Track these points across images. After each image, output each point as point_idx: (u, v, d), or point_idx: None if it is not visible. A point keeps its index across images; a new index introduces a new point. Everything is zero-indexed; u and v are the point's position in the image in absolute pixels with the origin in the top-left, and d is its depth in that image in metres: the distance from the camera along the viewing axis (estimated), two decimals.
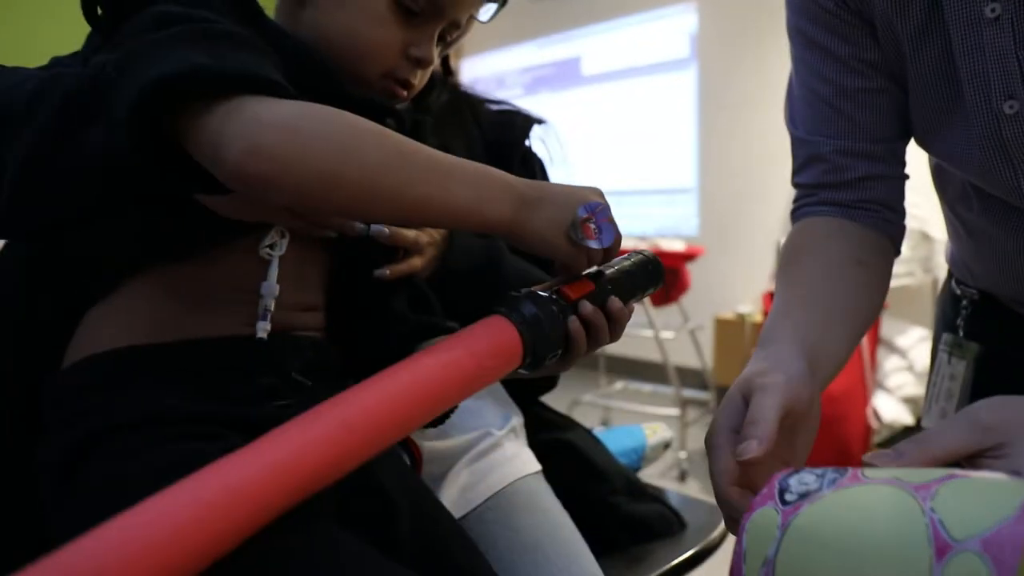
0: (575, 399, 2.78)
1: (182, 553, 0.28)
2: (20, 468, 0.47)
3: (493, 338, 0.42)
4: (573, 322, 0.46)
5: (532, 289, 0.45)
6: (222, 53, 0.40)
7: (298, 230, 0.49)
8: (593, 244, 0.46)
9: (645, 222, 3.66)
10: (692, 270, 2.65)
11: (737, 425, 0.43)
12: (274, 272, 0.47)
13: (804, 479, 0.35)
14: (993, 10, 0.48)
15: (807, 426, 0.46)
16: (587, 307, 0.46)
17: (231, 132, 0.38)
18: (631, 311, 0.51)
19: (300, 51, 0.49)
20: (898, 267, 2.43)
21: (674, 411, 2.49)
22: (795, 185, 0.63)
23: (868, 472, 0.35)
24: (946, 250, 0.73)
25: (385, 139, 0.41)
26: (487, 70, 4.34)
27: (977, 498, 0.30)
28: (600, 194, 0.48)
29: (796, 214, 0.63)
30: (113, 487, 0.40)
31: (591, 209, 0.46)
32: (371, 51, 0.51)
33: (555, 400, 0.86)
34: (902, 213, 0.62)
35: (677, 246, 2.69)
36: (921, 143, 0.60)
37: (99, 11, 0.46)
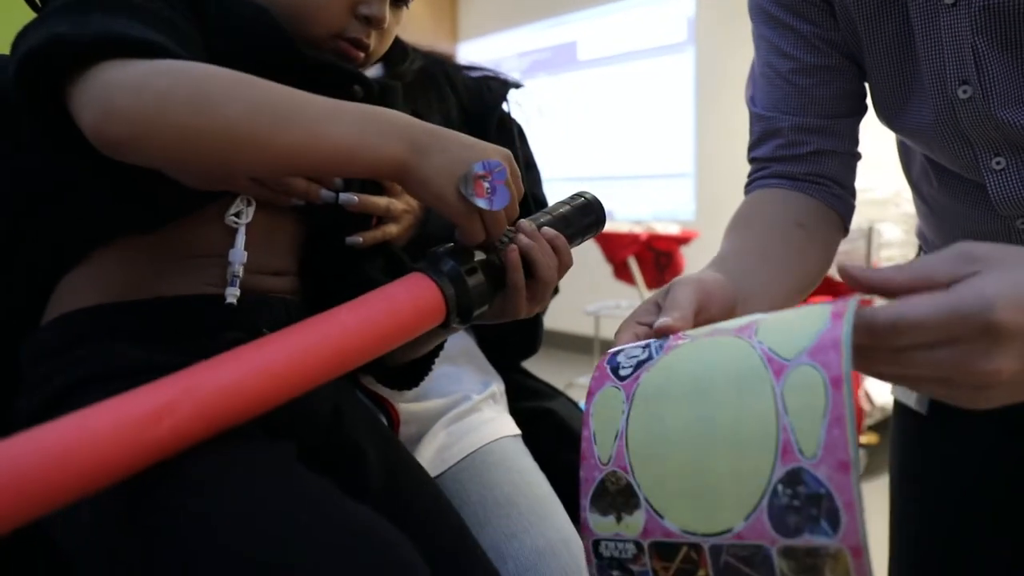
0: (569, 382, 2.79)
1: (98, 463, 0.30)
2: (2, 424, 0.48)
3: (411, 295, 0.43)
4: (508, 254, 0.46)
5: (454, 244, 0.45)
6: (90, 20, 0.40)
7: (263, 198, 0.50)
8: (482, 203, 0.44)
9: (641, 206, 3.66)
10: (687, 254, 2.65)
11: (646, 320, 0.43)
12: (241, 239, 0.48)
13: (631, 353, 0.37)
14: None
15: None
16: (521, 239, 0.47)
17: (86, 98, 0.38)
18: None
19: (253, 16, 0.48)
20: (892, 250, 2.42)
21: None
22: (751, 160, 0.65)
23: (688, 332, 0.37)
24: (916, 226, 0.75)
25: (243, 87, 0.40)
26: (483, 55, 4.32)
27: (793, 323, 0.33)
28: (507, 157, 0.46)
29: (749, 188, 0.64)
30: None
31: (489, 167, 0.44)
32: (317, 10, 0.50)
33: (548, 381, 0.87)
34: (852, 191, 0.64)
35: (672, 230, 2.69)
36: (882, 120, 0.61)
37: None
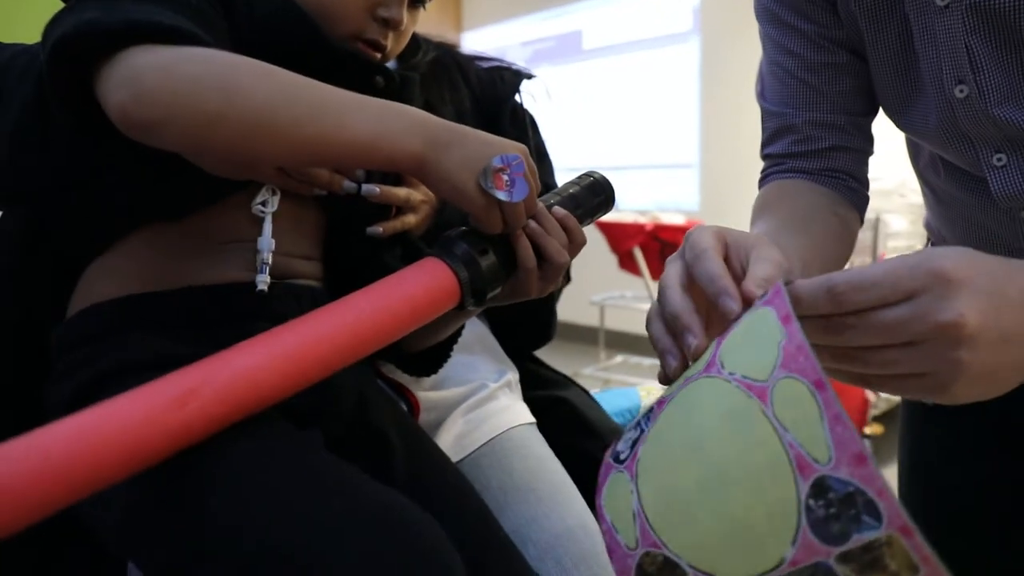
0: (575, 372, 2.80)
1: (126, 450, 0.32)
2: (26, 409, 0.49)
3: (426, 279, 0.43)
4: (519, 237, 0.46)
5: (466, 228, 0.46)
6: (119, 7, 0.41)
7: (288, 188, 0.50)
8: (502, 195, 0.44)
9: (646, 197, 3.66)
10: None
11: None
12: (268, 228, 0.49)
13: (626, 436, 0.37)
14: None
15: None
16: (530, 223, 0.47)
17: (115, 81, 0.39)
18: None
19: (280, 8, 0.49)
20: (898, 241, 2.42)
21: None
22: (764, 156, 0.65)
23: (664, 395, 0.36)
24: (923, 216, 0.75)
25: (270, 78, 0.41)
26: (487, 44, 4.30)
27: (751, 342, 0.32)
28: (524, 152, 0.47)
29: (764, 181, 0.65)
30: None
31: (507, 160, 0.45)
32: (337, 11, 0.51)
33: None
34: (866, 184, 0.64)
35: (678, 220, 2.69)
36: (889, 117, 0.61)
37: None
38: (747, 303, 0.36)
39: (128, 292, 0.47)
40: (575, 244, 0.51)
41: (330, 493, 0.40)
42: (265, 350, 0.37)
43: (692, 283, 0.39)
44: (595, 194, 0.55)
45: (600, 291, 2.98)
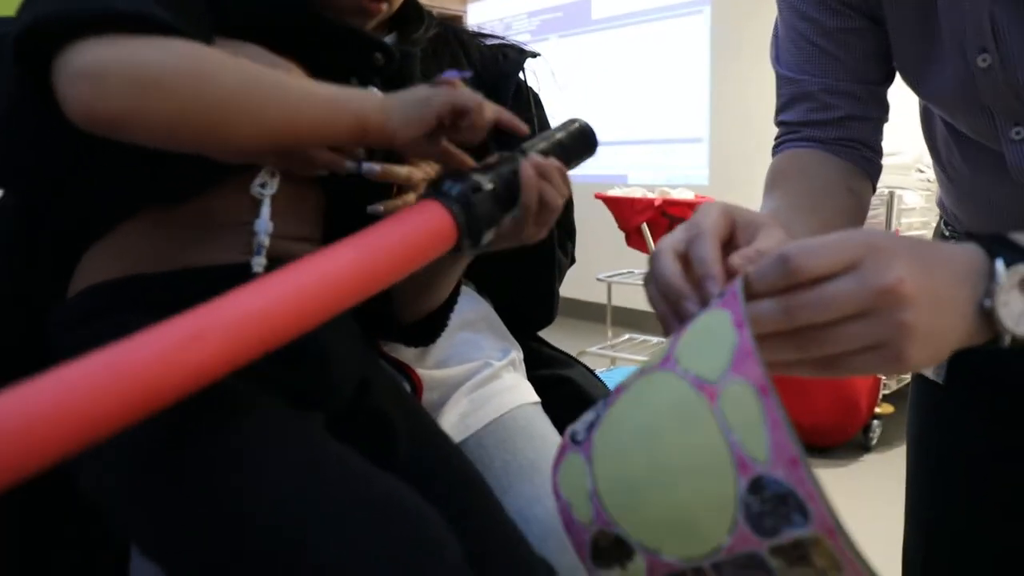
0: (582, 350, 2.81)
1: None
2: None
3: (423, 219, 0.43)
4: (525, 169, 0.47)
5: (458, 171, 0.47)
6: None
7: (288, 168, 0.50)
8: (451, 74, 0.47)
9: (655, 172, 3.63)
10: None
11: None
12: (266, 209, 0.48)
13: (583, 419, 0.39)
14: None
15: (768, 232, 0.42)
16: (527, 167, 0.48)
17: (72, 74, 0.37)
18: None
19: None
20: (912, 217, 2.39)
21: None
22: (779, 123, 0.64)
23: (622, 382, 0.38)
24: (936, 195, 0.75)
25: (233, 64, 0.41)
26: (493, 14, 4.24)
27: (707, 342, 0.34)
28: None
29: (778, 149, 0.64)
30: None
31: (449, 75, 0.47)
32: None
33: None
34: (880, 152, 0.64)
35: (687, 195, 2.66)
36: (908, 84, 0.60)
37: None
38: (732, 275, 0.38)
39: (127, 273, 0.47)
40: (566, 191, 0.52)
41: (331, 481, 0.40)
42: (269, 292, 0.37)
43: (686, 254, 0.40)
44: (580, 141, 0.56)
45: (607, 268, 2.98)
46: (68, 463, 0.30)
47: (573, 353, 0.87)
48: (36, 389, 0.29)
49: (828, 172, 0.60)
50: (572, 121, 0.56)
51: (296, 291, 0.37)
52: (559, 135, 0.54)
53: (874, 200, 2.40)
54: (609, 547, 0.36)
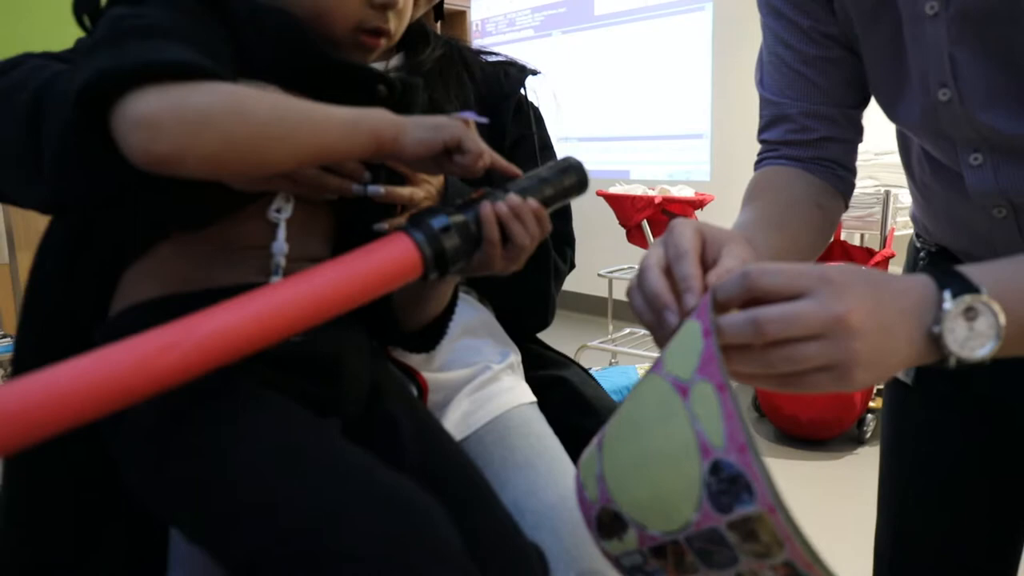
0: (583, 344, 2.85)
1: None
2: None
3: (389, 251, 0.48)
4: (484, 209, 0.51)
5: (436, 207, 0.51)
6: (130, 48, 0.43)
7: (302, 195, 0.54)
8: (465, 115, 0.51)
9: (656, 168, 3.65)
10: (701, 217, 2.66)
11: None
12: (282, 232, 0.53)
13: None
14: (932, 8, 0.53)
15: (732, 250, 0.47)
16: (500, 207, 0.52)
17: (130, 124, 0.42)
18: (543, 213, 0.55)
19: (281, 25, 0.52)
20: (908, 216, 2.40)
21: None
22: (761, 141, 0.69)
23: (634, 384, 0.44)
24: (910, 208, 0.79)
25: (262, 98, 0.46)
26: (497, 9, 4.25)
27: (684, 349, 0.40)
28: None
29: (759, 165, 0.69)
30: (160, 415, 0.48)
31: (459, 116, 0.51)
32: (333, 7, 0.53)
33: (562, 345, 0.91)
34: (853, 172, 0.69)
35: (687, 193, 2.70)
36: (881, 108, 0.65)
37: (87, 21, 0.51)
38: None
39: (160, 294, 0.52)
40: (542, 232, 0.54)
41: (345, 476, 0.45)
42: (237, 311, 0.42)
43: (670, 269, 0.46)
44: (568, 179, 0.57)
45: (608, 264, 3.01)
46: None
47: (575, 346, 0.90)
48: (34, 379, 0.36)
49: (799, 188, 0.65)
50: (564, 160, 0.58)
51: (263, 312, 0.42)
52: (544, 174, 0.56)
53: (870, 198, 2.43)
54: (609, 522, 0.42)
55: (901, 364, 0.41)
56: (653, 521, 0.39)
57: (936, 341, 0.40)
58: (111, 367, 0.38)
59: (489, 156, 0.52)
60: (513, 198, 0.53)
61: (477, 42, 3.90)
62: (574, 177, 0.57)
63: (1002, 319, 0.40)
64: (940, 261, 0.72)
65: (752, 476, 0.35)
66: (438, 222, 0.50)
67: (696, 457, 0.37)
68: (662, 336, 0.44)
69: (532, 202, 0.53)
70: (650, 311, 0.45)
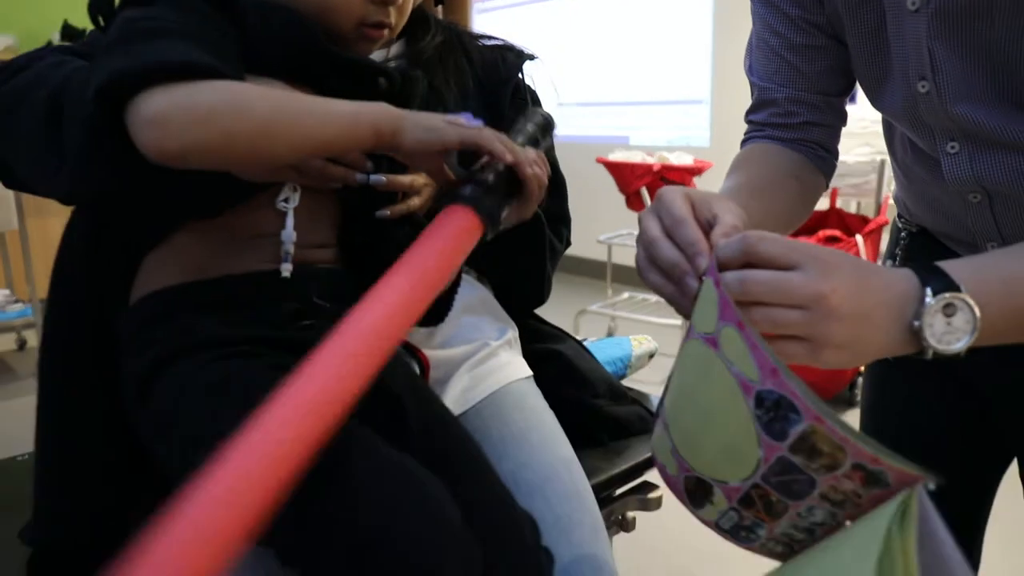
0: (582, 309, 2.90)
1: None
2: (97, 380, 0.58)
3: (456, 222, 0.50)
4: (524, 167, 0.53)
5: (465, 173, 0.54)
6: (140, 50, 0.46)
7: (307, 185, 0.57)
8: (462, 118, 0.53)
9: (655, 133, 3.63)
10: (700, 184, 2.67)
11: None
12: (290, 221, 0.56)
13: (663, 394, 0.49)
14: (914, 3, 0.55)
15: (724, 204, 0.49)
16: (529, 151, 0.55)
17: (142, 122, 0.44)
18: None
19: (286, 23, 0.54)
20: None
21: (677, 321, 2.60)
22: (748, 121, 0.73)
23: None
24: (894, 190, 0.82)
25: (264, 94, 0.48)
26: None
27: (704, 306, 0.43)
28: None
29: (745, 143, 0.72)
30: (175, 400, 0.52)
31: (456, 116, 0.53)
32: (336, 3, 0.55)
33: (562, 310, 0.93)
34: (835, 154, 0.72)
35: (686, 160, 2.70)
36: (867, 96, 0.67)
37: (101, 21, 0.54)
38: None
39: (177, 281, 0.55)
40: (549, 171, 0.58)
41: (355, 455, 0.49)
42: (382, 306, 0.40)
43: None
44: (545, 130, 0.62)
45: (608, 229, 3.03)
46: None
47: (573, 312, 0.93)
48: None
49: (780, 162, 0.68)
50: (535, 112, 0.62)
51: (401, 299, 0.41)
52: (530, 128, 0.60)
53: (865, 167, 2.42)
54: (694, 489, 0.44)
55: (875, 354, 0.44)
56: (730, 473, 0.41)
57: (916, 334, 0.42)
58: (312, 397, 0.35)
59: (512, 155, 0.53)
60: (531, 152, 0.55)
61: (478, 7, 3.83)
62: (549, 127, 0.62)
63: (978, 315, 0.43)
64: (920, 241, 0.74)
65: (792, 395, 0.36)
66: (478, 185, 0.52)
67: (741, 397, 0.38)
68: (685, 304, 0.46)
69: (532, 151, 0.56)
70: (669, 282, 0.47)
